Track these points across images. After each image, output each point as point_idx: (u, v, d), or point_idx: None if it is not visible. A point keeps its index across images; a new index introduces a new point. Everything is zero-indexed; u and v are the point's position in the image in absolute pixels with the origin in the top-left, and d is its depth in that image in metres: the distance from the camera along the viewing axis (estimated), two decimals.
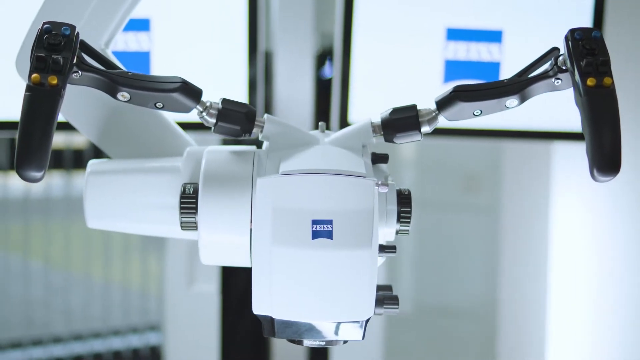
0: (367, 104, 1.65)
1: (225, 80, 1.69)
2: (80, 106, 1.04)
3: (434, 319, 3.05)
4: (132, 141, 1.05)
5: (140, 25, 1.65)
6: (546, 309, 2.37)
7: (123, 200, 0.99)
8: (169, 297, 2.04)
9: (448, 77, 1.66)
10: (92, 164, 1.01)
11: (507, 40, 1.65)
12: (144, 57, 1.65)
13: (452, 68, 1.66)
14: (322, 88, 1.93)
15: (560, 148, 2.27)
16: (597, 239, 2.24)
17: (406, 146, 3.06)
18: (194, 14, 1.66)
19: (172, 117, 1.06)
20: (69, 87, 0.87)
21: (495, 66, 1.65)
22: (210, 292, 1.97)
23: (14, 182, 3.90)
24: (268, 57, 1.88)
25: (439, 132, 1.67)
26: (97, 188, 0.99)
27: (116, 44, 1.63)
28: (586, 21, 1.66)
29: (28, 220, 4.00)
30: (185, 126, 1.14)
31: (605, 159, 0.81)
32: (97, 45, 1.03)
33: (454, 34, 1.66)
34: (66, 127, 1.09)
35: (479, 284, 2.94)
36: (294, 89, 1.87)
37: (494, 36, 1.66)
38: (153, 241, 3.87)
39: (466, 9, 1.65)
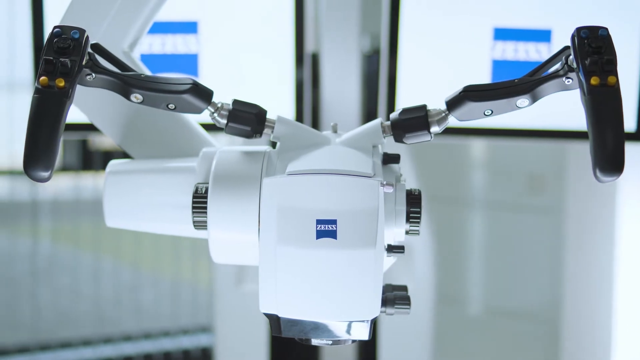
0: (414, 104, 1.64)
1: (272, 82, 1.71)
2: (103, 108, 1.06)
3: (497, 321, 3.02)
4: (154, 142, 1.07)
5: (189, 28, 1.67)
6: (612, 313, 2.32)
7: (140, 200, 1.01)
8: (219, 297, 2.06)
9: (495, 77, 1.65)
10: (112, 164, 1.04)
11: (556, 40, 1.63)
12: (192, 60, 1.68)
13: (500, 68, 1.65)
14: (370, 88, 1.92)
15: (627, 149, 2.22)
16: None
17: (471, 147, 3.03)
18: (242, 17, 1.68)
19: (195, 118, 1.07)
20: (91, 90, 0.90)
21: None
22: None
23: (85, 182, 3.98)
24: (315, 58, 1.89)
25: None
26: (116, 188, 1.01)
27: (164, 46, 1.66)
28: (636, 20, 1.62)
29: (99, 219, 4.07)
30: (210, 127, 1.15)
31: (608, 159, 0.80)
32: (119, 48, 1.05)
33: (502, 34, 1.64)
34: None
35: (544, 285, 2.90)
36: (341, 89, 1.87)
37: (543, 35, 1.63)
38: None
39: (514, 9, 1.63)
